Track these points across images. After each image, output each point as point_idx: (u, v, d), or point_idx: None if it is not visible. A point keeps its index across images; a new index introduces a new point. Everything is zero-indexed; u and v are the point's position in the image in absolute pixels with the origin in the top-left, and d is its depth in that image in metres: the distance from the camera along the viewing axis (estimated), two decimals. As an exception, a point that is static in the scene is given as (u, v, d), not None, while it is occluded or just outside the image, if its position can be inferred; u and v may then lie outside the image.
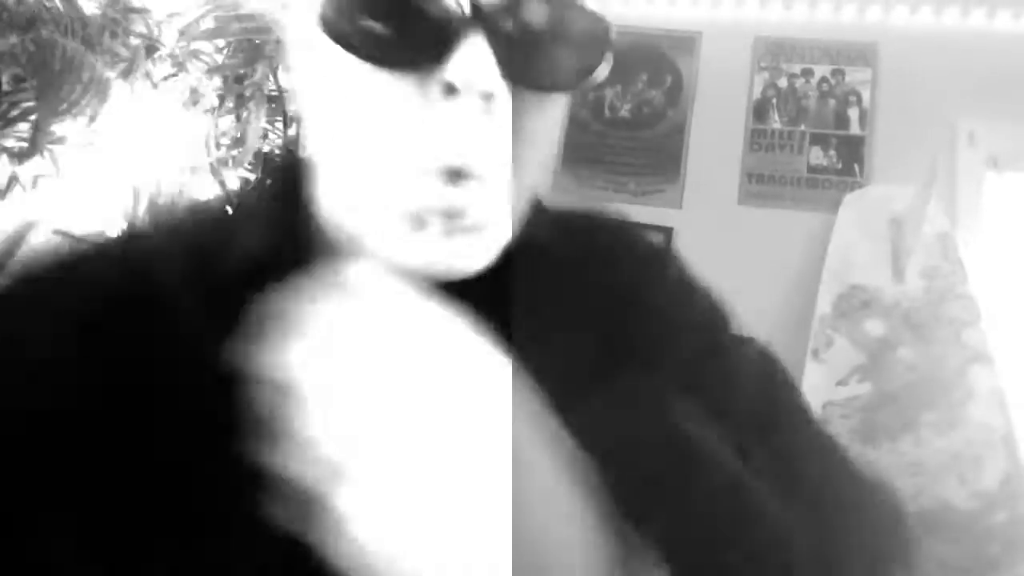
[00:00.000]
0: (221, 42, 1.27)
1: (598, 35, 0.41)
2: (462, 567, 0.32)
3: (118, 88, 1.17)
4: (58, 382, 0.41)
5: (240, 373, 0.35)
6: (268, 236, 0.45)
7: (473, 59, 0.37)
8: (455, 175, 0.38)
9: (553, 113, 0.43)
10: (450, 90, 0.37)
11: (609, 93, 2.08)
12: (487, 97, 0.38)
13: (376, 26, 0.38)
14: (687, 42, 2.07)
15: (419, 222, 0.39)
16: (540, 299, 0.45)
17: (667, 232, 1.91)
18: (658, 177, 1.99)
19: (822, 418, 1.58)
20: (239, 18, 1.24)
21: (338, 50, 0.38)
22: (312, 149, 0.44)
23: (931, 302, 1.66)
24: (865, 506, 0.48)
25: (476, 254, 0.40)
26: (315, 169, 0.44)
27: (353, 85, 0.39)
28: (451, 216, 0.39)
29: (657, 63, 2.08)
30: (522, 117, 0.40)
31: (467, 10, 0.37)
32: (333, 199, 0.43)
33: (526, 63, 0.39)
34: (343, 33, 0.38)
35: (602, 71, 0.42)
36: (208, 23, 1.24)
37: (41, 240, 1.07)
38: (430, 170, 0.38)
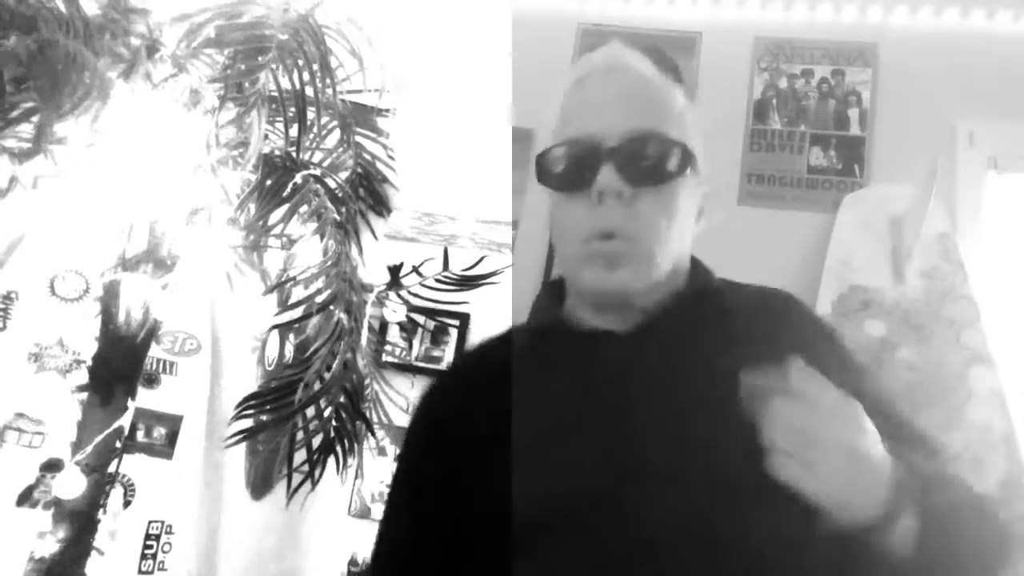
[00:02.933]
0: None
1: (677, 150, 0.77)
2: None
3: (119, 88, 1.17)
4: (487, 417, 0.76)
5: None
6: (545, 310, 0.86)
7: (606, 175, 0.74)
8: (608, 236, 0.74)
9: (670, 198, 0.76)
10: (599, 195, 0.74)
11: (609, 93, 2.08)
12: (619, 194, 0.74)
13: (560, 176, 0.79)
14: (687, 42, 2.07)
15: (593, 264, 0.75)
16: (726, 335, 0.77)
17: (667, 232, 1.91)
18: (658, 177, 1.99)
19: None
20: (240, 27, 1.24)
21: (553, 194, 0.80)
22: (554, 247, 0.91)
23: (931, 303, 1.66)
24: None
25: (625, 278, 0.75)
26: (556, 262, 0.87)
27: (559, 208, 0.80)
28: (608, 258, 0.75)
29: (657, 63, 2.07)
30: (645, 203, 0.75)
31: (601, 152, 0.75)
32: (563, 269, 0.83)
33: (638, 173, 0.75)
34: (548, 181, 0.80)
35: (687, 170, 0.78)
36: (209, 32, 1.24)
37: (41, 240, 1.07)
38: (594, 235, 0.75)
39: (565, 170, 0.77)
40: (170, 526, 1.79)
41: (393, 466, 1.95)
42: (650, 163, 0.75)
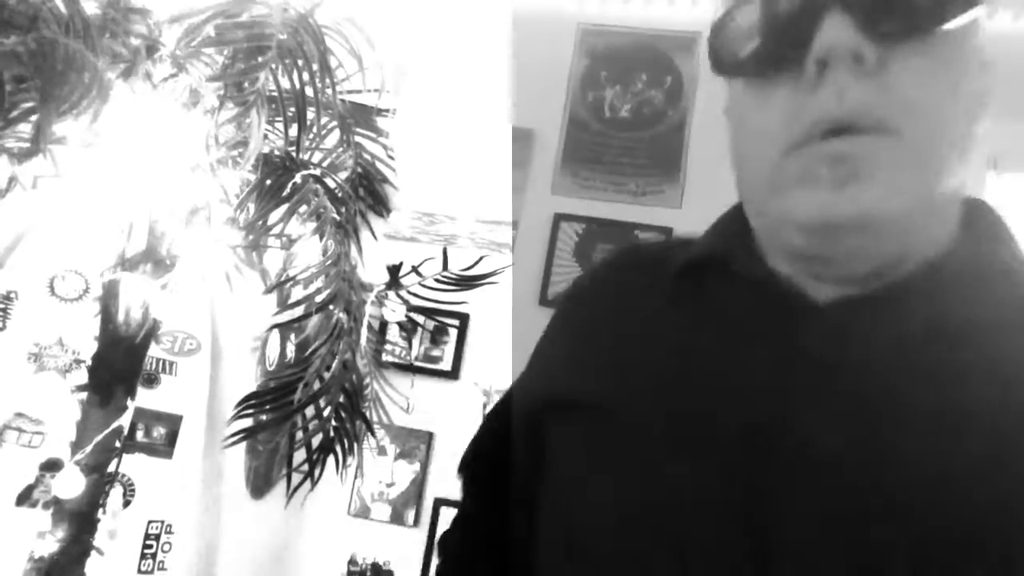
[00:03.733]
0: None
1: None
2: None
3: (118, 88, 1.17)
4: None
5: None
6: (712, 239, 0.58)
7: (834, 29, 0.43)
8: (838, 131, 0.44)
9: (947, 58, 0.45)
10: (821, 65, 0.44)
11: (609, 93, 2.08)
12: (858, 59, 0.43)
13: (754, 51, 0.48)
14: (687, 42, 2.07)
15: (809, 179, 0.45)
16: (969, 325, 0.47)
17: (667, 232, 1.91)
18: (658, 177, 1.99)
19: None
20: (240, 25, 1.24)
21: (736, 86, 0.52)
22: (736, 170, 0.54)
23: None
24: None
25: (872, 200, 0.44)
26: (739, 189, 0.55)
27: (747, 107, 0.50)
28: (837, 164, 0.44)
29: (657, 63, 2.08)
30: (911, 69, 0.44)
31: None
32: (748, 201, 0.54)
33: (888, 16, 0.43)
34: (730, 67, 0.51)
35: (974, 6, 0.46)
36: (209, 31, 1.24)
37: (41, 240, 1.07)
38: (814, 135, 0.45)
39: (763, 40, 0.47)
40: (170, 526, 1.79)
41: (393, 465, 1.95)
42: (905, 4, 0.44)
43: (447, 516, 1.88)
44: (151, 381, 1.84)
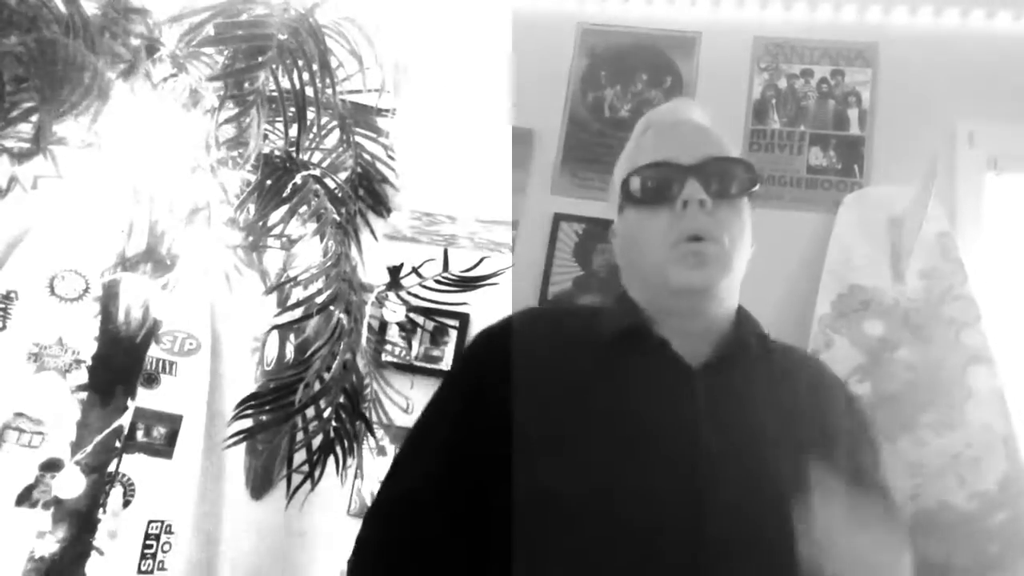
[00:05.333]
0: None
1: (745, 169, 0.89)
2: None
3: (118, 88, 1.17)
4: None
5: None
6: (626, 313, 0.90)
7: (691, 188, 0.84)
8: (696, 238, 0.83)
9: (741, 210, 0.88)
10: (684, 205, 0.84)
11: (609, 93, 2.08)
12: (703, 204, 0.84)
13: (646, 191, 0.88)
14: (687, 42, 2.07)
15: (680, 263, 0.83)
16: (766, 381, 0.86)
17: (667, 232, 1.91)
18: (658, 177, 1.99)
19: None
20: (240, 25, 1.24)
21: (628, 213, 0.91)
22: (623, 265, 0.96)
23: (931, 302, 1.66)
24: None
25: (711, 275, 0.84)
26: (627, 277, 0.95)
27: (638, 223, 0.89)
28: (697, 257, 0.83)
29: (657, 63, 2.08)
30: (723, 212, 0.85)
31: (684, 168, 0.86)
32: (639, 281, 0.91)
33: (718, 186, 0.86)
34: (630, 198, 0.90)
35: (756, 186, 0.90)
36: (209, 31, 1.24)
37: (41, 240, 1.07)
38: (681, 240, 0.84)
39: (651, 187, 0.87)
40: (170, 526, 1.79)
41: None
42: (726, 180, 0.86)
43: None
44: (151, 381, 1.84)
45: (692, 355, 0.84)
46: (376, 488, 0.89)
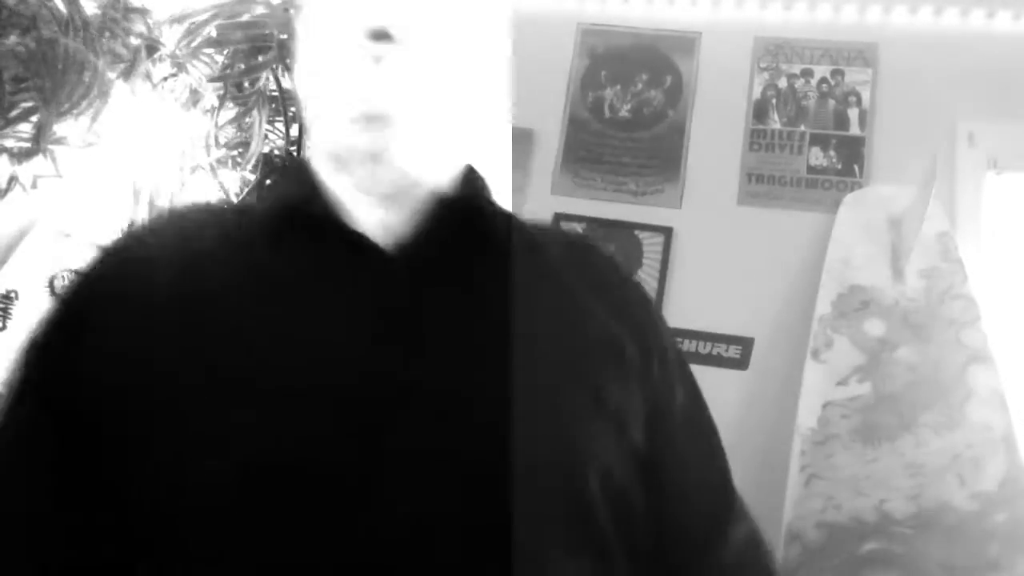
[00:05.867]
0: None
1: None
2: None
3: (118, 88, 1.17)
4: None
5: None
6: (296, 186, 0.63)
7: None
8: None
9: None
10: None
11: (609, 93, 2.08)
12: (377, 59, 0.58)
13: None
14: (687, 42, 2.07)
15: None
16: (537, 271, 0.64)
17: (667, 232, 1.91)
18: (658, 177, 1.99)
19: (822, 418, 1.59)
20: (241, 25, 1.24)
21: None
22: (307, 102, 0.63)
23: (931, 302, 1.66)
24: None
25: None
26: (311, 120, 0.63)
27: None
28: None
29: (657, 63, 2.08)
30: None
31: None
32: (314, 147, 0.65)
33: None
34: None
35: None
36: (209, 31, 1.24)
37: (41, 240, 1.08)
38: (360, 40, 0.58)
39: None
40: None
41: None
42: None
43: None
44: (151, 381, 1.83)
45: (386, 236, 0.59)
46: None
